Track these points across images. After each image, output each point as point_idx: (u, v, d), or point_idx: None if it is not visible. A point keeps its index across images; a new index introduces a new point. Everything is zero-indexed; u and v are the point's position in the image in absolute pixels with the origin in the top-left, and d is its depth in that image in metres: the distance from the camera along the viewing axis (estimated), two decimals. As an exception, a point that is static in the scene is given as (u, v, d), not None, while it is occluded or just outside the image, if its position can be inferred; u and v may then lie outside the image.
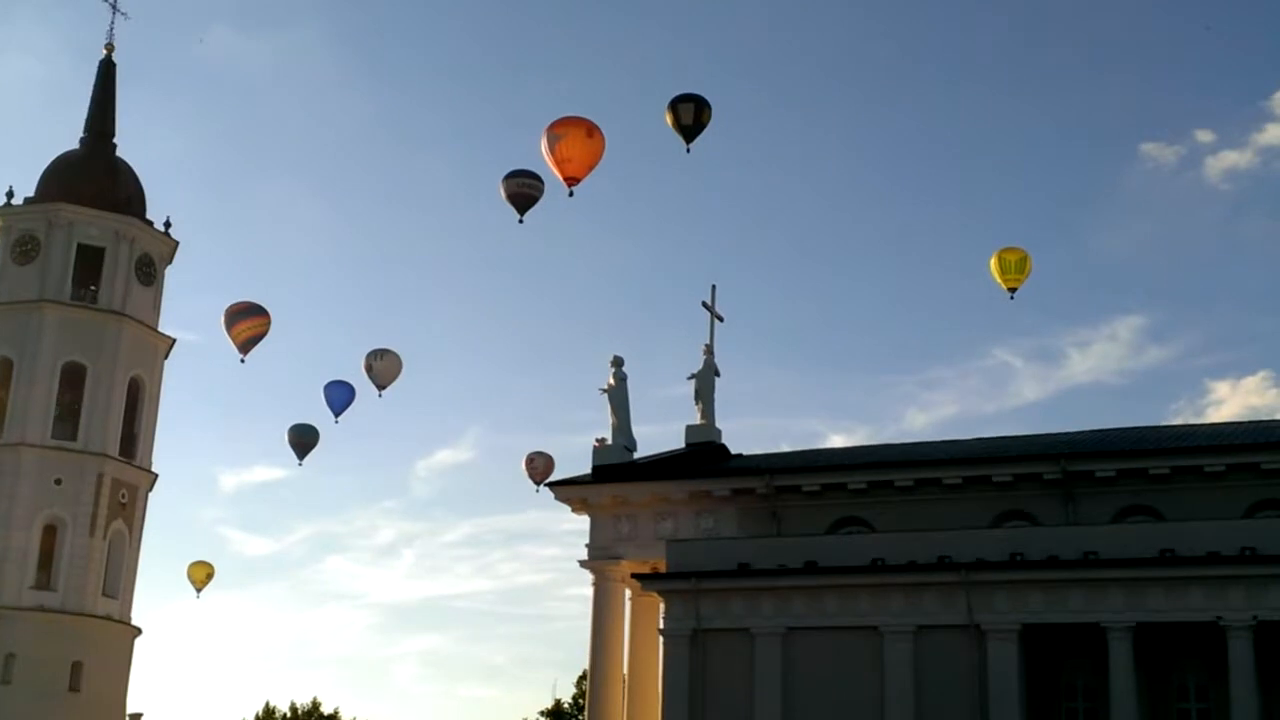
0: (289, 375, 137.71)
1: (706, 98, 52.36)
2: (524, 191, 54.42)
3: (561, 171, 52.09)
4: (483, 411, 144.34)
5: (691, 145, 52.22)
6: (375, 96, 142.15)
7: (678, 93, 52.17)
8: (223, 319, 63.01)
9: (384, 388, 63.16)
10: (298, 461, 64.97)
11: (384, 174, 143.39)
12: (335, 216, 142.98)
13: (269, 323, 62.95)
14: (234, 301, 63.33)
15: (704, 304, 54.84)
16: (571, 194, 52.41)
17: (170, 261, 72.66)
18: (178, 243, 72.86)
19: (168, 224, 72.74)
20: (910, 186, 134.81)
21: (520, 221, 55.03)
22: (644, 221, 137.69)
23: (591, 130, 52.10)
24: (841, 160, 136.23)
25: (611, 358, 52.78)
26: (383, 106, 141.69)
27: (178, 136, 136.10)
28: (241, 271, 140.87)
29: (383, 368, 62.94)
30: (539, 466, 65.02)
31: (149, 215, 72.55)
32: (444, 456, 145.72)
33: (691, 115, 52.14)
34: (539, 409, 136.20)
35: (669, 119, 52.78)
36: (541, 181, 54.42)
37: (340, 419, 64.12)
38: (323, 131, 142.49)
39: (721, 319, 54.89)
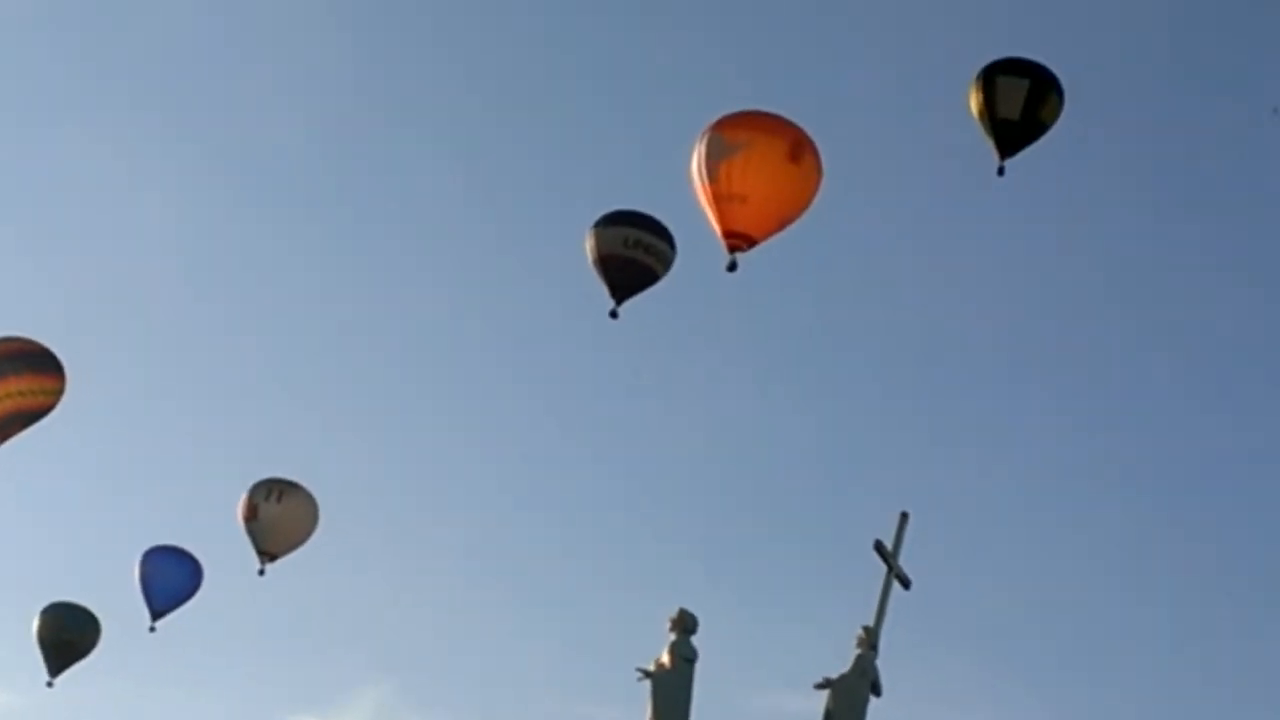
0: (75, 501, 74.08)
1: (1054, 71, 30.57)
2: (631, 258, 33.00)
3: (723, 222, 29.71)
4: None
5: (1007, 161, 30.53)
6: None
7: (993, 58, 30.80)
8: None
9: (274, 557, 37.99)
10: (47, 677, 39.01)
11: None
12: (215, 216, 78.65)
13: (60, 390, 36.26)
14: None
15: (877, 546, 28.86)
16: (734, 267, 29.94)
17: None
18: None
19: None
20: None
21: (614, 315, 33.24)
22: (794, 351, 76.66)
23: (800, 146, 29.55)
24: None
25: (675, 614, 27.98)
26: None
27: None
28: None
29: (278, 517, 37.79)
30: None
31: None
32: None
33: (1020, 101, 30.18)
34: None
35: (973, 103, 30.74)
36: (671, 243, 33.16)
37: (161, 621, 38.62)
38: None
39: (907, 584, 29.00)
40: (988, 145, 30.64)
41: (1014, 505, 74.43)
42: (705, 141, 29.68)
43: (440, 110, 77.78)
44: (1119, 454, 76.25)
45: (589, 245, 33.51)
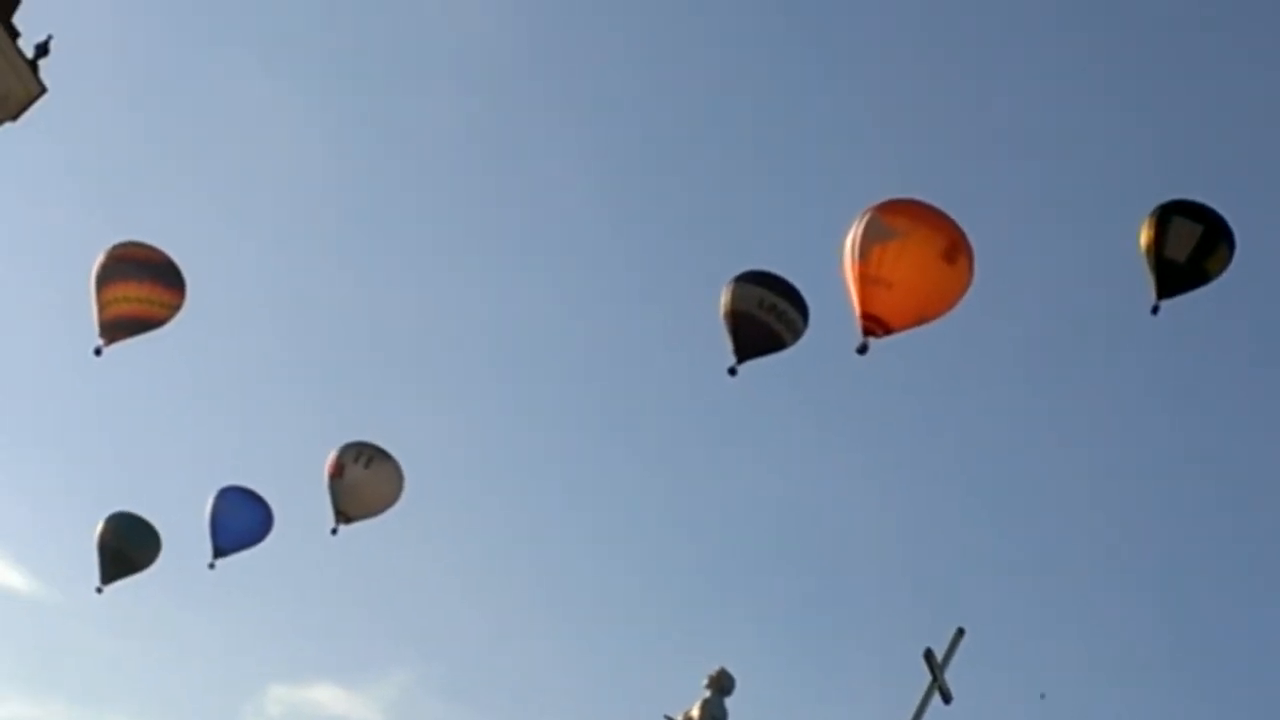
0: (167, 420, 73.56)
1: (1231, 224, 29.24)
2: (762, 321, 32.28)
3: (864, 303, 28.86)
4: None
5: (1164, 302, 29.20)
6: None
7: (1174, 197, 29.56)
8: (97, 264, 35.78)
9: (349, 520, 37.17)
10: (98, 582, 38.69)
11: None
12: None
13: (177, 306, 35.94)
14: (128, 241, 35.86)
15: (927, 654, 27.71)
16: (864, 350, 28.88)
17: (15, 117, 38.59)
18: (45, 89, 38.46)
19: (42, 49, 37.99)
20: None
21: (732, 372, 32.27)
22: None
23: (957, 247, 28.64)
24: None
25: (715, 672, 28.61)
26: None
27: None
28: (142, 182, 74.34)
29: (362, 481, 36.98)
30: None
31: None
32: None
33: (1190, 245, 29.10)
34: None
35: (1143, 237, 29.53)
36: (805, 315, 32.53)
37: (222, 560, 37.92)
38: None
39: (948, 699, 27.62)
40: (1147, 282, 29.34)
41: (1077, 655, 72.75)
42: (865, 221, 28.87)
43: (608, 133, 78.28)
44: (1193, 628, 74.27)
45: (724, 297, 32.82)
